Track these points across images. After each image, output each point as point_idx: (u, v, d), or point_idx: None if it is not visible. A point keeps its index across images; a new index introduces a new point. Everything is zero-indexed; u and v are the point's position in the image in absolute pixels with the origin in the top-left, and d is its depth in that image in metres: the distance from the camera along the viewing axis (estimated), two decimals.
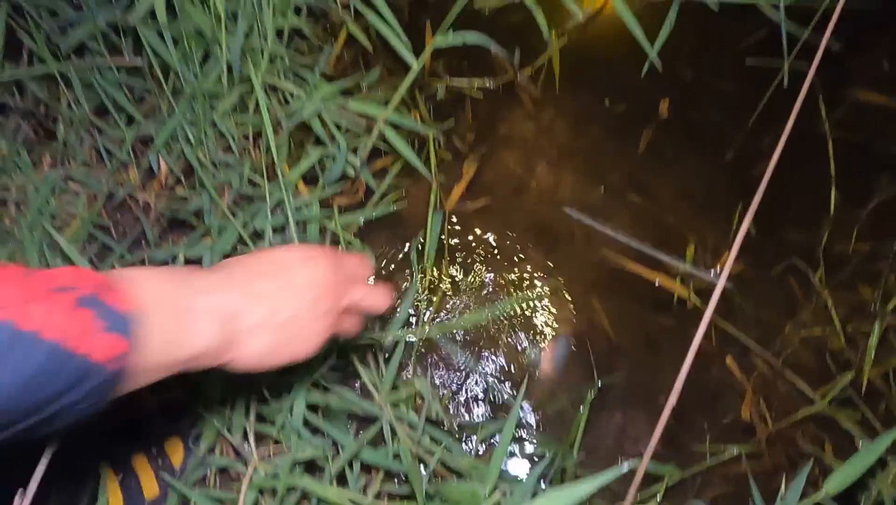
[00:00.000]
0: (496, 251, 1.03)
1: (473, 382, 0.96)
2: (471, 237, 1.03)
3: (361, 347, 0.85)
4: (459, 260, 1.02)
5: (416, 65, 0.86)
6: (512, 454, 0.91)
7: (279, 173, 0.83)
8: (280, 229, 0.88)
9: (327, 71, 1.08)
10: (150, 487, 0.84)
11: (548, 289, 1.02)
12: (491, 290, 1.01)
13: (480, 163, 1.07)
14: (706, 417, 0.93)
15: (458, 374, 0.97)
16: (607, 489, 0.73)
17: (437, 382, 0.95)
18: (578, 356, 0.98)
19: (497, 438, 0.90)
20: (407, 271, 1.00)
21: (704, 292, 1.00)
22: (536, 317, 1.00)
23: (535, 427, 0.94)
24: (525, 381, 0.95)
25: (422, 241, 1.00)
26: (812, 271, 0.99)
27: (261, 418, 0.80)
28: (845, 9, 0.80)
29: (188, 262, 0.84)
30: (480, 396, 0.96)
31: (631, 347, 0.99)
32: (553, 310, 1.01)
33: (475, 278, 1.02)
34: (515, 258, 1.03)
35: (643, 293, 1.02)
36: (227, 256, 0.88)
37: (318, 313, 0.52)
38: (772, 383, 0.94)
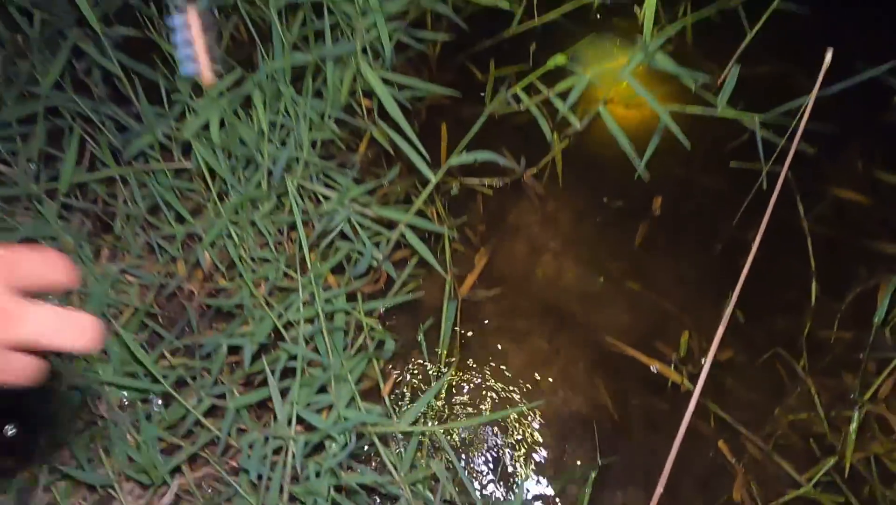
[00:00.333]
0: (506, 337, 1.14)
1: (483, 463, 1.05)
2: (482, 324, 1.15)
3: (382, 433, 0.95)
4: (472, 346, 1.13)
5: (433, 179, 0.99)
6: None
7: (310, 267, 0.95)
8: (310, 320, 1.00)
9: (354, 172, 1.23)
10: None
11: (554, 372, 1.12)
12: (502, 373, 1.12)
13: (491, 254, 1.19)
14: (701, 497, 1.02)
15: (470, 455, 1.06)
16: None
17: (451, 463, 1.04)
18: (583, 435, 1.07)
19: None
20: (421, 358, 1.11)
21: (698, 377, 1.10)
22: (543, 398, 1.10)
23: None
24: (531, 460, 1.04)
25: (437, 328, 1.11)
26: (796, 359, 1.09)
27: (292, 498, 0.89)
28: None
29: (230, 349, 0.96)
30: (490, 476, 1.04)
31: (632, 426, 1.08)
32: (559, 391, 1.10)
33: (487, 363, 1.12)
34: (523, 343, 1.14)
35: (643, 375, 1.12)
36: (263, 346, 1.00)
37: None
38: (761, 466, 1.02)
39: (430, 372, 1.10)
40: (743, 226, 1.20)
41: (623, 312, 1.19)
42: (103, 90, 1.24)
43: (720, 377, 1.10)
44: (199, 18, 1.02)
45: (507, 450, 1.06)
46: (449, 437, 1.05)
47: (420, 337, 1.11)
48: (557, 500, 1.03)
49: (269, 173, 1.06)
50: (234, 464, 0.96)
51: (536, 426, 1.08)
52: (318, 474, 0.88)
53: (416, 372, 1.11)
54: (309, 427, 0.94)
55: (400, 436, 1.00)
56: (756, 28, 1.23)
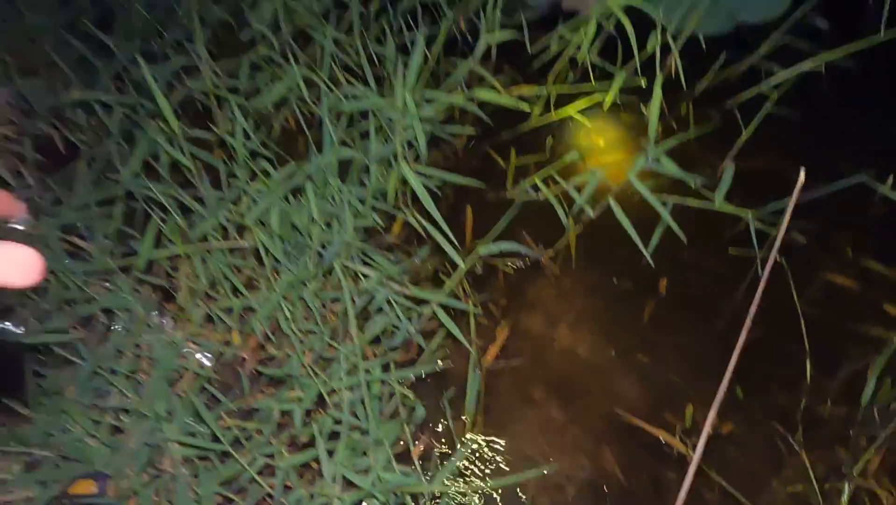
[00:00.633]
0: (524, 404, 1.27)
1: None
2: (503, 392, 1.28)
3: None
4: (493, 412, 1.26)
5: (462, 266, 1.15)
6: None
7: (355, 339, 1.10)
8: (350, 388, 1.13)
9: (390, 254, 1.38)
10: None
11: (568, 438, 1.24)
12: (521, 438, 1.24)
13: (511, 327, 1.33)
14: None
15: None
16: None
17: None
18: (595, 500, 1.18)
19: None
20: (447, 423, 1.24)
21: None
22: (557, 463, 1.21)
23: None
24: None
25: (461, 394, 1.24)
26: (792, 433, 1.20)
27: None
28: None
29: (281, 413, 1.09)
30: None
31: (640, 494, 1.19)
32: (572, 457, 1.22)
33: (507, 428, 1.24)
34: (540, 410, 1.26)
35: (651, 444, 1.23)
36: (310, 411, 1.14)
37: None
38: None
39: (456, 436, 1.22)
40: (743, 307, 1.33)
41: (633, 383, 1.31)
42: (167, 172, 1.42)
43: (723, 448, 1.21)
44: None
45: None
46: (474, 497, 1.17)
47: (445, 404, 1.23)
48: None
49: (318, 255, 1.22)
50: None
51: (551, 489, 1.19)
52: None
53: (442, 436, 1.23)
54: (348, 486, 1.06)
55: (430, 496, 1.11)
56: (750, 128, 1.40)
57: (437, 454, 1.21)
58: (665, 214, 1.15)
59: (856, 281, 1.36)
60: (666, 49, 1.53)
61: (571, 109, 1.57)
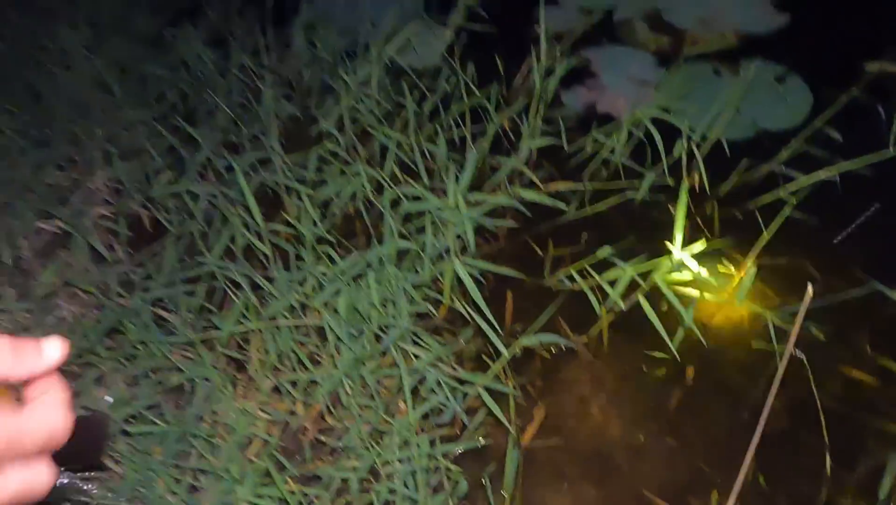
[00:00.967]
0: (560, 481, 1.38)
1: None
2: (540, 469, 1.39)
3: None
4: (530, 488, 1.37)
5: (506, 354, 1.30)
6: None
7: (410, 415, 1.24)
8: (400, 460, 1.27)
9: (436, 326, 1.55)
10: None
11: None
12: None
13: (547, 408, 1.46)
14: None
15: None
16: None
17: None
18: None
19: None
20: (486, 498, 1.36)
21: None
22: None
23: None
24: None
25: (500, 471, 1.36)
26: None
27: None
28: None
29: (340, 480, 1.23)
30: None
31: None
32: None
33: (544, 504, 1.36)
34: (575, 487, 1.37)
35: None
36: (363, 480, 1.27)
37: None
38: None
39: None
40: (766, 398, 1.44)
41: (661, 465, 1.42)
42: (241, 253, 1.63)
43: None
44: None
45: None
46: None
47: (486, 479, 1.36)
48: None
49: (376, 336, 1.39)
50: None
51: None
52: None
53: None
54: None
55: None
56: (770, 231, 1.55)
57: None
58: (687, 318, 1.30)
59: (875, 378, 1.46)
60: (692, 154, 1.71)
61: (604, 205, 1.75)
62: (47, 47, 2.07)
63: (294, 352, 1.43)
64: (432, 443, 1.33)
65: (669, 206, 1.72)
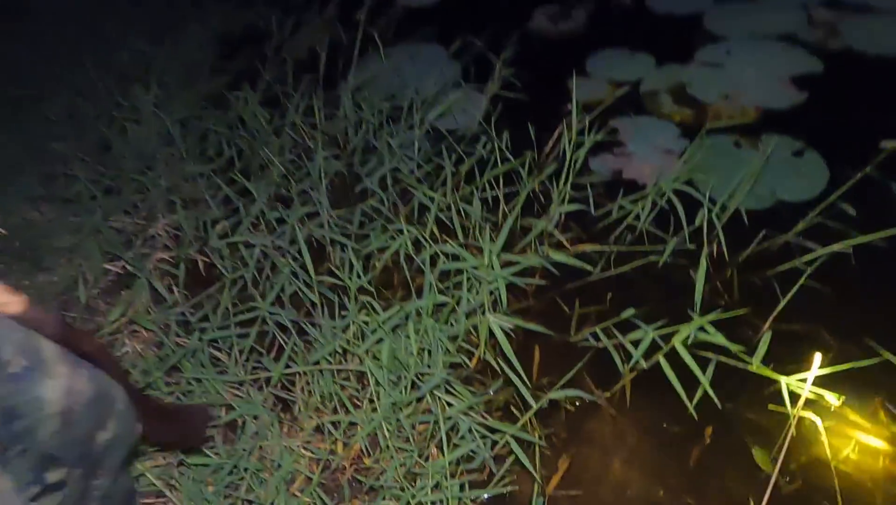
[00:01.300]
0: None
1: None
2: None
3: None
4: None
5: (534, 405, 1.41)
6: None
7: (441, 458, 1.35)
8: (432, 503, 1.38)
9: (468, 376, 1.67)
10: None
11: None
12: None
13: (571, 459, 1.56)
14: None
15: None
16: None
17: None
18: None
19: None
20: None
21: None
22: None
23: None
24: None
25: None
26: None
27: None
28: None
29: None
30: None
31: None
32: None
33: None
34: None
35: None
36: None
37: None
38: None
39: None
40: (783, 460, 1.52)
41: None
42: (288, 299, 1.78)
43: None
44: None
45: None
46: None
47: None
48: None
49: (413, 383, 1.52)
50: None
51: None
52: None
53: None
54: None
55: None
56: (786, 299, 1.66)
57: None
58: (704, 381, 1.40)
59: (887, 443, 1.54)
60: (712, 223, 1.84)
61: (628, 267, 1.88)
62: (121, 104, 2.32)
63: (336, 394, 1.56)
64: (462, 487, 1.44)
65: (690, 270, 1.84)
